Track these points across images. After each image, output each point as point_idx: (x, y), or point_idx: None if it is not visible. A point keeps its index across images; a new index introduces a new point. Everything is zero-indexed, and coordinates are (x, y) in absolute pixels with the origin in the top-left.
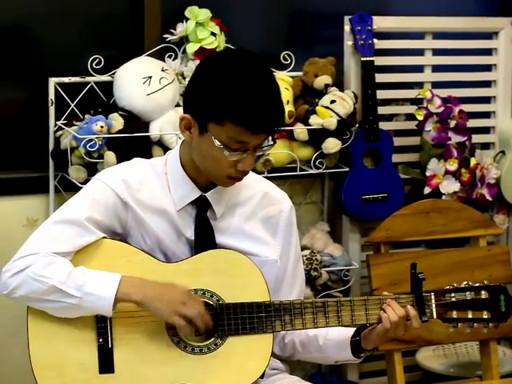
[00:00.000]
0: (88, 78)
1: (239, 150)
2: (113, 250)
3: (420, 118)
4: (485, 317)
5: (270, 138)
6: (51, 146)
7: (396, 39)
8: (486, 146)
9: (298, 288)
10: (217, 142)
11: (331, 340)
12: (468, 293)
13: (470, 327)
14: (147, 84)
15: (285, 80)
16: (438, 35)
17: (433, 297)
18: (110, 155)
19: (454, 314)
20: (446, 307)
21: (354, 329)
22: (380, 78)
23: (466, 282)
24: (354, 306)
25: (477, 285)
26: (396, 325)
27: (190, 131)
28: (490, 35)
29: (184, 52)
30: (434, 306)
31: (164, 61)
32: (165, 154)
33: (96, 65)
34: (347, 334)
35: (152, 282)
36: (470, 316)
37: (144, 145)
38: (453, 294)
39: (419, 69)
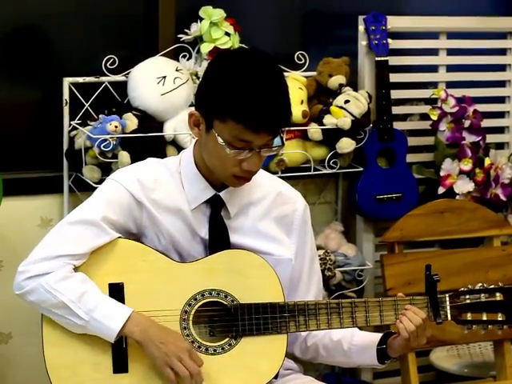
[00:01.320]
0: (102, 78)
1: (242, 148)
2: (128, 250)
3: (434, 117)
4: (499, 319)
5: (279, 139)
6: (65, 146)
7: (410, 39)
8: (500, 146)
9: (315, 287)
10: (220, 140)
11: (356, 345)
12: (482, 295)
13: (485, 329)
14: (161, 84)
15: (299, 80)
16: (453, 35)
17: (447, 299)
18: (124, 155)
19: (469, 316)
20: (461, 309)
21: (380, 335)
22: (394, 77)
23: (480, 284)
24: (368, 307)
25: (491, 287)
26: (415, 334)
27: (199, 128)
28: (504, 35)
29: (198, 52)
30: (448, 307)
31: (178, 61)
32: (179, 153)
33: (110, 65)
34: (373, 341)
35: (159, 327)
36: (484, 318)
37: (158, 145)
38: (467, 296)
39: (433, 69)
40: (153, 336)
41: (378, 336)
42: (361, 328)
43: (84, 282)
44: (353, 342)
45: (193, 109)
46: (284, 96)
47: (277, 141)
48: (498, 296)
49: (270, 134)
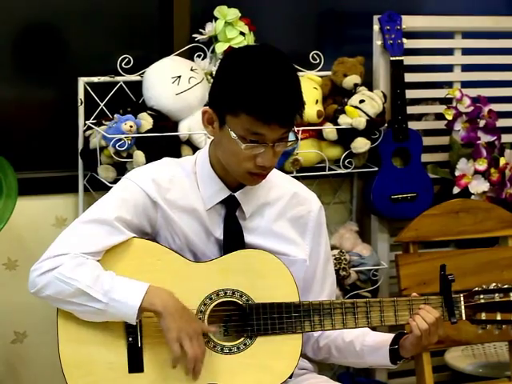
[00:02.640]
0: (117, 78)
1: (256, 142)
2: (143, 250)
3: (449, 117)
4: None
5: (293, 134)
6: (80, 146)
7: (425, 39)
8: None
9: (328, 288)
10: (233, 134)
11: (369, 346)
12: (497, 294)
13: (499, 329)
14: (176, 83)
15: (314, 79)
16: (468, 35)
17: (462, 298)
18: (139, 155)
19: (483, 316)
20: (475, 309)
21: (392, 335)
22: (409, 77)
23: (494, 284)
24: (383, 306)
25: (505, 286)
26: (427, 332)
27: (213, 126)
28: None
29: (213, 52)
30: (463, 307)
31: (193, 60)
32: (194, 153)
33: (125, 64)
34: (385, 342)
35: (177, 300)
36: (498, 318)
37: (173, 144)
38: (481, 296)
39: (448, 68)
40: (172, 309)
41: (390, 336)
42: (375, 328)
43: (97, 267)
44: (365, 343)
45: (206, 107)
46: (294, 87)
47: (291, 136)
48: None
49: (282, 127)
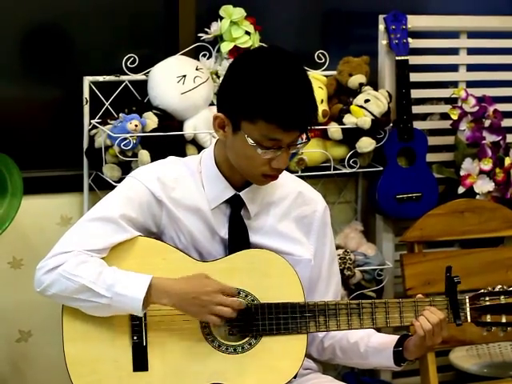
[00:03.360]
0: (122, 77)
1: (272, 147)
2: (148, 248)
3: (454, 117)
4: None
5: (304, 135)
6: (85, 145)
7: (430, 38)
8: None
9: (333, 288)
10: (250, 141)
11: (373, 348)
12: (502, 296)
13: (504, 331)
14: (181, 83)
15: (319, 79)
16: (473, 34)
17: (467, 300)
18: (144, 154)
19: (488, 318)
20: (480, 311)
21: (397, 337)
22: (414, 77)
23: (500, 286)
24: (388, 308)
25: (511, 289)
26: (431, 333)
27: (224, 130)
28: None
29: (218, 51)
30: (468, 309)
31: (198, 60)
32: (199, 152)
33: (130, 64)
34: (390, 343)
35: (183, 283)
36: (503, 320)
37: (178, 143)
38: (487, 298)
39: (454, 68)
40: (181, 294)
41: (394, 338)
42: (380, 329)
43: (100, 264)
44: (369, 344)
45: (215, 110)
46: (311, 92)
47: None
48: None
49: (300, 132)
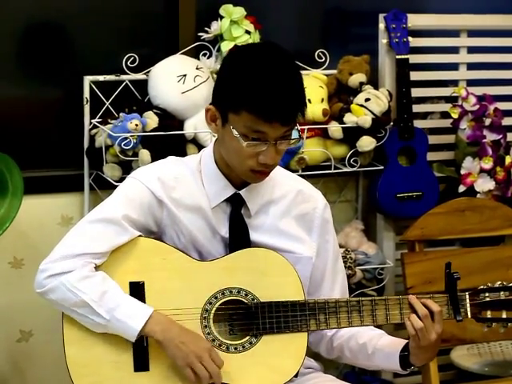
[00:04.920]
0: (123, 77)
1: (258, 140)
2: (148, 249)
3: (455, 116)
4: None
5: (296, 132)
6: (86, 145)
7: (431, 37)
8: None
9: (339, 285)
10: (235, 132)
11: (380, 350)
12: (502, 292)
13: (504, 327)
14: (182, 82)
15: (319, 78)
16: (473, 33)
17: (467, 296)
18: (144, 153)
19: (488, 314)
20: (481, 307)
21: (405, 341)
22: (415, 75)
23: (500, 282)
24: (388, 305)
25: (511, 285)
26: (423, 331)
27: (216, 123)
28: None
29: (219, 50)
30: (468, 305)
31: (199, 59)
32: (199, 152)
33: (131, 63)
34: (397, 347)
35: (180, 327)
36: (504, 316)
37: (178, 143)
38: (487, 294)
39: (454, 67)
40: (174, 336)
41: (402, 342)
42: (381, 326)
43: (105, 281)
44: (377, 346)
45: (210, 104)
46: (296, 86)
47: (294, 134)
48: None
49: (284, 125)
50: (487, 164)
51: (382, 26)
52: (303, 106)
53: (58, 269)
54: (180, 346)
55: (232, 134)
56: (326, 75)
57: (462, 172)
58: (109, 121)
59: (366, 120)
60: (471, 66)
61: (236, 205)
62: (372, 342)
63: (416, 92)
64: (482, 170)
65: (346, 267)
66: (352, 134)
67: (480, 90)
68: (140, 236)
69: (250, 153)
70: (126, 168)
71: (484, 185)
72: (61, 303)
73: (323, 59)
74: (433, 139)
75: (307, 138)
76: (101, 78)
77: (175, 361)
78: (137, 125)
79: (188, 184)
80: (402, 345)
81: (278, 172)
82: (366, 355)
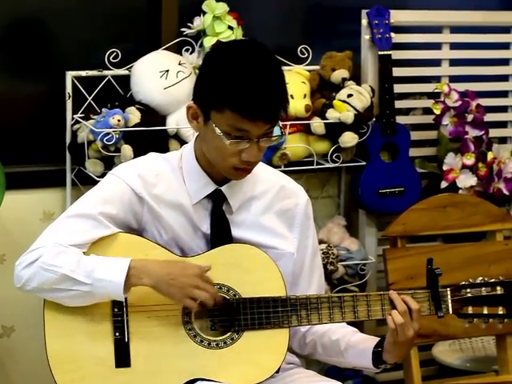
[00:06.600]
0: (105, 72)
1: (240, 138)
2: (129, 244)
3: (437, 112)
4: (500, 312)
5: (278, 129)
6: (68, 140)
7: (413, 33)
8: (503, 140)
9: (316, 281)
10: (217, 131)
11: (353, 347)
12: (483, 288)
13: (486, 323)
14: (164, 78)
15: (302, 74)
16: (456, 29)
17: (449, 292)
18: (126, 149)
19: (470, 310)
20: (462, 303)
21: (378, 338)
22: (397, 71)
23: (481, 278)
24: (370, 301)
25: (492, 280)
26: (403, 327)
27: (197, 121)
28: (507, 29)
29: (201, 46)
30: (449, 301)
31: (181, 54)
32: (181, 147)
33: (113, 58)
34: (370, 343)
35: (163, 265)
36: (485, 312)
37: (161, 138)
38: (468, 290)
39: (436, 63)
40: (161, 275)
41: (376, 339)
42: (362, 322)
43: (78, 253)
44: (350, 343)
45: (191, 102)
46: (279, 83)
47: (276, 131)
48: (499, 290)
49: (267, 123)
50: (469, 160)
51: (364, 21)
52: (286, 104)
53: (32, 257)
54: (171, 283)
55: (214, 132)
56: (309, 71)
57: (444, 168)
58: (91, 116)
59: (348, 116)
60: (453, 62)
61: (217, 201)
62: (345, 339)
63: (398, 88)
64: (463, 166)
65: (328, 263)
66: (334, 130)
67: (462, 86)
68: (121, 232)
69: (233, 151)
70: (109, 163)
71: (466, 181)
72: (42, 287)
73: (306, 55)
74: (415, 135)
75: (289, 133)
76: (83, 73)
77: (172, 298)
78: (119, 120)
79: (169, 181)
80: (375, 341)
81: (260, 167)
82: (338, 351)
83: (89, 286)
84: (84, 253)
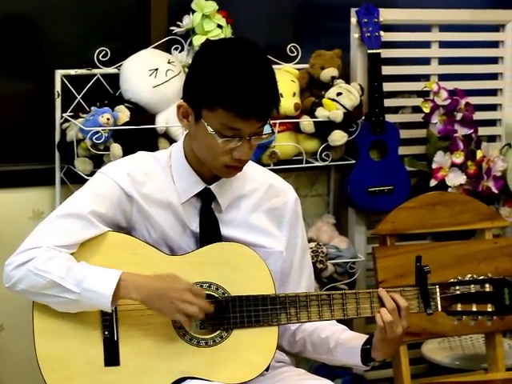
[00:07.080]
0: (94, 70)
1: (232, 137)
2: (118, 243)
3: (426, 110)
4: (489, 310)
5: (269, 126)
6: (57, 138)
7: (402, 31)
8: (492, 139)
9: (306, 279)
10: (210, 129)
11: (342, 344)
12: (472, 286)
13: (474, 320)
14: (153, 76)
15: (291, 72)
16: (445, 28)
17: (437, 290)
18: (115, 147)
19: (459, 307)
20: (451, 300)
21: (367, 336)
22: (386, 70)
23: (470, 275)
24: (359, 298)
25: (481, 278)
26: (391, 325)
27: (188, 119)
28: (496, 27)
29: (190, 44)
30: (438, 298)
31: (170, 53)
32: (171, 146)
33: (102, 57)
34: (359, 341)
35: (153, 279)
36: (474, 309)
37: (150, 137)
38: (457, 287)
39: (426, 61)
40: (151, 289)
41: (365, 336)
42: (352, 320)
43: (69, 259)
44: (339, 341)
45: (181, 100)
46: (271, 82)
47: (266, 129)
48: (488, 287)
49: (259, 121)
50: (458, 158)
51: (353, 20)
52: (278, 102)
53: (23, 259)
54: (161, 298)
55: (206, 131)
56: (298, 69)
57: (434, 166)
58: (80, 115)
59: (337, 114)
60: (443, 61)
61: (206, 200)
62: (334, 336)
63: (388, 86)
64: (453, 165)
65: (317, 261)
66: (324, 129)
67: (451, 85)
68: (110, 231)
69: (225, 149)
70: (98, 162)
71: (455, 179)
72: (31, 290)
73: (295, 53)
74: (404, 133)
75: (279, 132)
76: (72, 71)
77: (162, 312)
78: (108, 119)
79: (158, 179)
80: (364, 339)
81: (248, 166)
82: (327, 349)
83: (77, 295)
84: (73, 253)
